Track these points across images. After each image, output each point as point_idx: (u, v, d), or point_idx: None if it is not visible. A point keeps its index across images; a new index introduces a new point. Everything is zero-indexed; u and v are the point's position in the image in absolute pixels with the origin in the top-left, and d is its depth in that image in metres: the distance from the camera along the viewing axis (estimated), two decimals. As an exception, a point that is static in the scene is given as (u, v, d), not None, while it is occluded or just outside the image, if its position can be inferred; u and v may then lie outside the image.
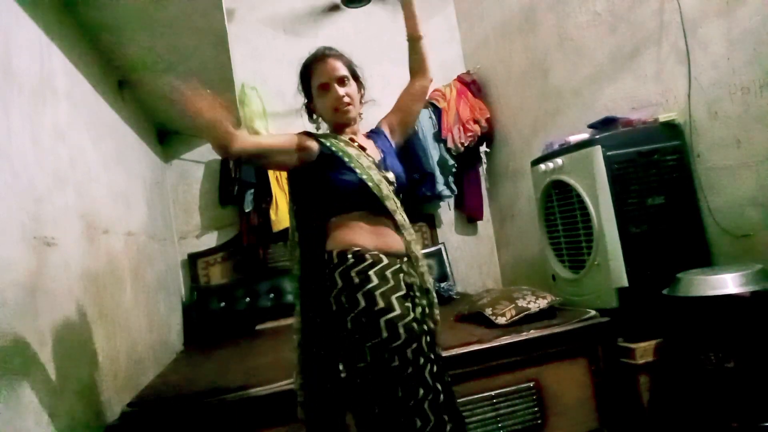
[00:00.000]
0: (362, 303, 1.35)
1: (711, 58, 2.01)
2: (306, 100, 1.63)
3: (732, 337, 1.75)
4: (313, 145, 1.49)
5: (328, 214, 1.50)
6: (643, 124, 2.25)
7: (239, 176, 3.42)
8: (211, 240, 3.61)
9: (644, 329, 2.07)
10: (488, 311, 2.29)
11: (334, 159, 1.48)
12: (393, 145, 1.68)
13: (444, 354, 2.00)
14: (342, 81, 1.53)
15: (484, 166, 3.88)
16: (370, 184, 1.45)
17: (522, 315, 2.21)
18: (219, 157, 3.51)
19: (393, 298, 1.36)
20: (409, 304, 1.40)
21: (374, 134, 1.68)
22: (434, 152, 3.60)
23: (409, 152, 3.49)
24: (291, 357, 1.61)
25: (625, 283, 2.10)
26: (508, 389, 2.06)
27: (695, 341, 1.84)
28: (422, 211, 3.83)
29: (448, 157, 3.62)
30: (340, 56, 1.58)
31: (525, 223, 3.42)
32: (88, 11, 1.93)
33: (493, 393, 2.04)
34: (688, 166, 2.15)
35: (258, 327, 3.27)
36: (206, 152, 3.63)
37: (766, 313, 1.71)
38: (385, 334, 1.32)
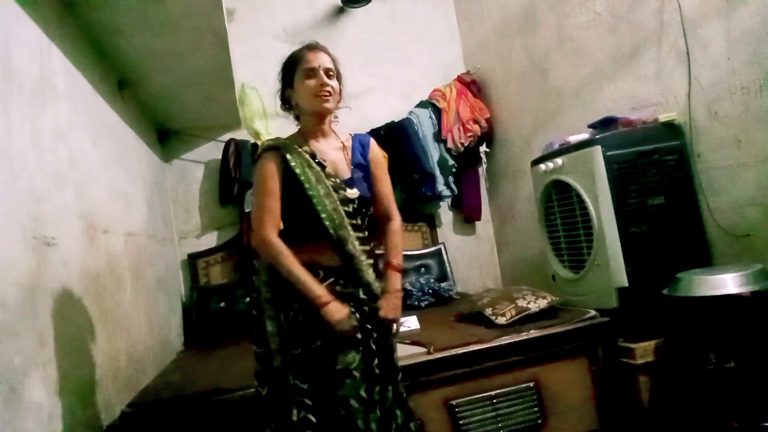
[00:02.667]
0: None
1: (711, 58, 2.01)
2: (283, 88, 1.64)
3: (732, 337, 1.75)
4: (280, 164, 1.54)
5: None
6: (643, 124, 2.25)
7: (239, 176, 3.41)
8: (211, 240, 3.61)
9: (644, 329, 2.07)
10: (488, 311, 2.29)
11: (294, 181, 1.51)
12: (367, 167, 1.66)
13: (444, 354, 2.02)
14: (328, 72, 1.57)
15: (484, 166, 3.88)
16: (323, 215, 1.50)
17: (522, 315, 2.21)
18: (219, 157, 3.53)
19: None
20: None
21: (360, 146, 1.67)
22: (434, 152, 3.60)
23: (409, 152, 3.50)
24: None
25: (625, 283, 2.10)
26: (508, 389, 2.06)
27: (695, 341, 1.84)
28: (422, 211, 3.83)
29: (448, 157, 3.62)
30: (330, 53, 1.62)
31: (525, 223, 3.42)
32: (88, 11, 1.93)
33: (493, 393, 2.05)
34: (688, 166, 2.15)
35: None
36: (206, 152, 3.64)
37: (766, 313, 1.71)
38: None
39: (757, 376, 1.71)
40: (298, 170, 1.52)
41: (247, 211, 3.42)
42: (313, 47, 1.60)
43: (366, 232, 1.59)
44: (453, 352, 2.02)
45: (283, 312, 1.53)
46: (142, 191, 2.75)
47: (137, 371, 2.15)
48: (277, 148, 1.56)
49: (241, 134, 3.57)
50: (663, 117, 2.20)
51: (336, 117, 1.68)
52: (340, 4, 3.76)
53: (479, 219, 3.90)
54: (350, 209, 1.55)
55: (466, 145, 3.59)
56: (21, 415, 1.23)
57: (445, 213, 3.93)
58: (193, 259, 3.51)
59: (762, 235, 1.91)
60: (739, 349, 1.74)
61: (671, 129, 2.18)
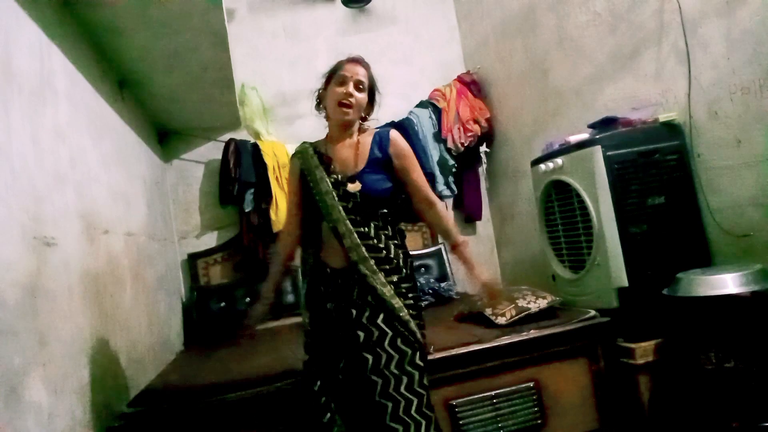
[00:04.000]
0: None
1: (711, 58, 2.01)
2: (321, 89, 1.74)
3: (732, 337, 1.75)
4: (299, 167, 1.71)
5: None
6: (643, 124, 2.25)
7: (239, 176, 3.41)
8: (211, 240, 3.61)
9: (644, 329, 2.07)
10: (488, 311, 2.29)
11: (306, 182, 1.68)
12: (386, 160, 1.69)
13: (444, 354, 2.02)
14: (358, 85, 1.66)
15: (484, 166, 3.88)
16: (324, 211, 1.62)
17: (522, 315, 2.21)
18: (219, 157, 3.52)
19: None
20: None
21: (379, 140, 1.70)
22: (434, 152, 3.60)
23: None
24: (300, 355, 1.71)
25: (625, 283, 2.09)
26: (508, 389, 2.06)
27: (695, 341, 1.84)
28: (422, 211, 3.83)
29: (448, 157, 3.61)
30: (369, 69, 1.71)
31: (525, 223, 3.42)
32: (88, 11, 1.93)
33: (493, 393, 2.05)
34: (688, 166, 2.15)
35: (258, 327, 3.27)
36: (206, 152, 3.64)
37: (766, 313, 1.71)
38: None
39: (757, 376, 1.71)
40: (307, 172, 1.66)
41: (247, 210, 3.42)
42: (354, 60, 1.70)
43: (368, 228, 1.60)
44: (453, 352, 2.02)
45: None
46: (142, 191, 2.75)
47: (137, 371, 2.15)
48: (298, 153, 1.72)
49: (241, 134, 3.56)
50: (663, 117, 2.20)
51: (364, 126, 1.74)
52: (340, 4, 3.76)
53: (479, 219, 3.90)
54: (349, 205, 1.59)
55: (466, 145, 3.59)
56: (21, 415, 1.23)
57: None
58: (193, 259, 3.51)
59: (762, 235, 1.91)
60: (739, 349, 1.74)
61: (671, 129, 2.18)
